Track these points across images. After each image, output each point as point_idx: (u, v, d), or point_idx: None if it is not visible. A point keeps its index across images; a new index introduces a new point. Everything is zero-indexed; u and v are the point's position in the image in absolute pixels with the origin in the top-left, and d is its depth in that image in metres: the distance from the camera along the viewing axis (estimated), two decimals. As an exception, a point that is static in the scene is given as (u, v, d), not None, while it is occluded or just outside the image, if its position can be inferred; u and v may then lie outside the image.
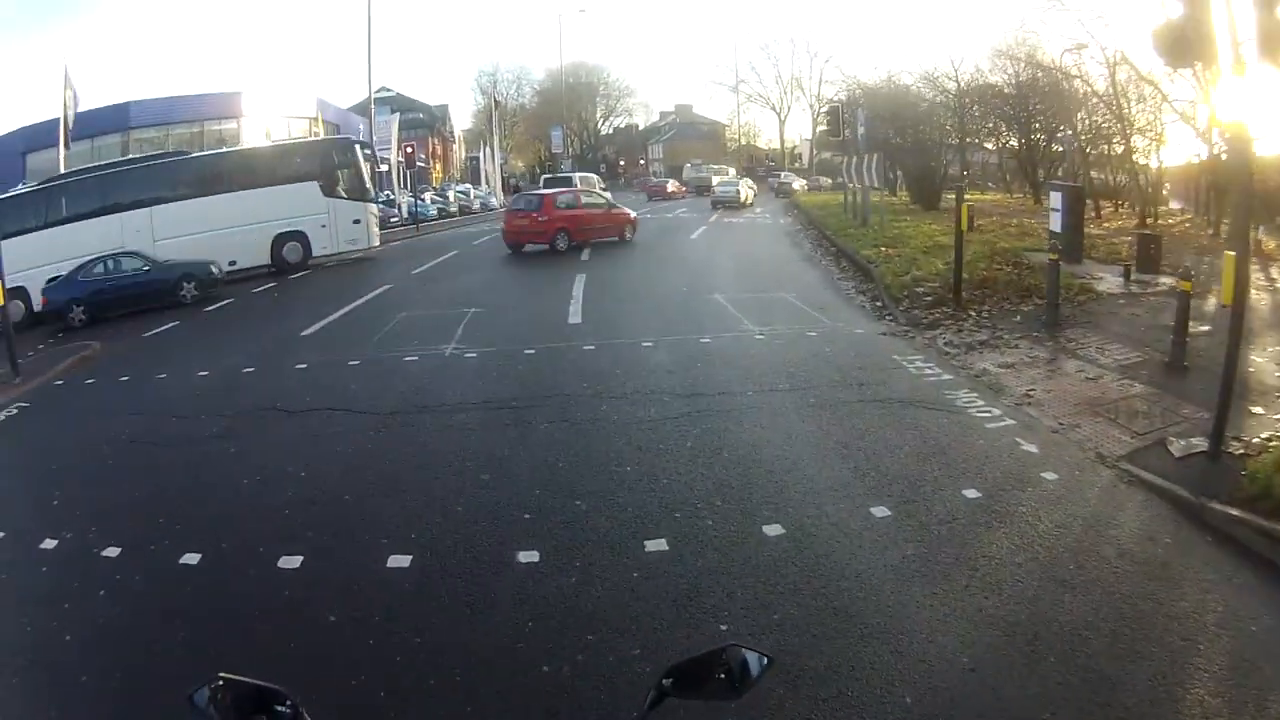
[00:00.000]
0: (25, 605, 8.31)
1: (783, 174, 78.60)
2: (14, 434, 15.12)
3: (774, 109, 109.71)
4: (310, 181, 34.76)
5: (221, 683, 2.56)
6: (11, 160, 52.70)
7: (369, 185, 38.31)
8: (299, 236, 34.03)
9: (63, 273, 28.39)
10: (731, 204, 54.12)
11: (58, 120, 39.46)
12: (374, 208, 38.12)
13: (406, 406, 13.44)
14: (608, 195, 41.17)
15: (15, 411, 16.14)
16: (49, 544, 9.55)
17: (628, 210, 37.36)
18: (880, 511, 8.45)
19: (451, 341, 17.51)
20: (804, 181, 74.33)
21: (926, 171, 46.23)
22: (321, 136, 52.89)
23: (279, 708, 2.56)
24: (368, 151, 41.48)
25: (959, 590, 6.94)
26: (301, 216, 33.96)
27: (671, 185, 73.77)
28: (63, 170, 36.60)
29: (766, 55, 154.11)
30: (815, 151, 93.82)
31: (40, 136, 51.52)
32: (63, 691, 6.70)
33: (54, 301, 27.56)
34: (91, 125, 52.88)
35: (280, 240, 33.66)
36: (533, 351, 16.16)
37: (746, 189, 59.31)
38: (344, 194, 35.18)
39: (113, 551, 9.11)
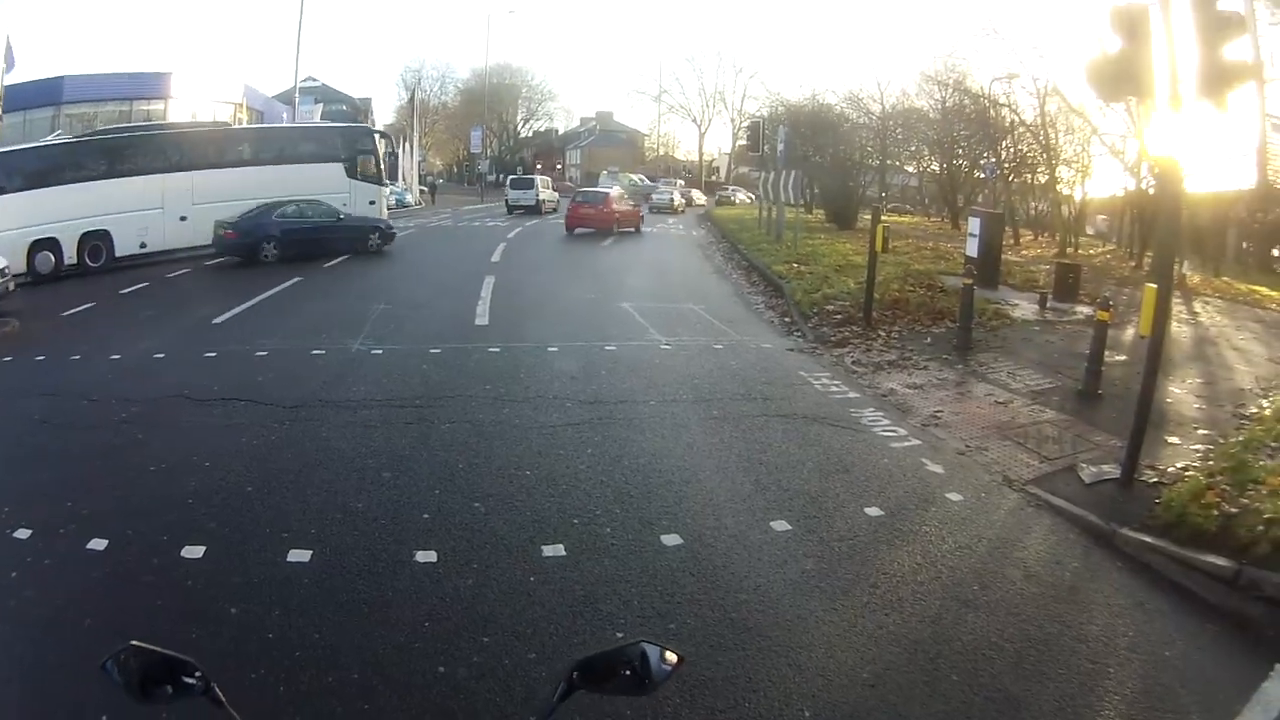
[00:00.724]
0: None
1: (730, 188, 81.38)
2: None
3: (695, 121, 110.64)
4: (336, 163, 37.71)
5: (132, 651, 2.57)
6: None
7: (383, 171, 40.77)
8: None
9: (100, 226, 30.30)
10: (666, 209, 62.87)
11: None
12: (386, 191, 41.19)
13: (311, 400, 13.36)
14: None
15: None
16: None
17: (641, 209, 47.94)
18: (780, 526, 8.44)
19: (358, 337, 17.43)
20: (750, 195, 75.72)
21: (844, 190, 46.55)
22: (351, 124, 55.24)
23: (187, 679, 2.57)
24: (386, 141, 44.91)
25: (859, 607, 6.93)
26: (326, 194, 35.34)
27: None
28: None
29: (691, 67, 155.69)
30: (733, 165, 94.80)
31: None
32: None
33: (247, 236, 30.31)
34: (25, 98, 52.32)
35: None
36: (438, 351, 16.12)
37: (680, 197, 67.75)
38: (363, 177, 38.21)
39: (23, 534, 8.99)
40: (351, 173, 38.06)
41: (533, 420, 12.00)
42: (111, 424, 12.65)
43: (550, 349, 16.10)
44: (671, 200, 65.82)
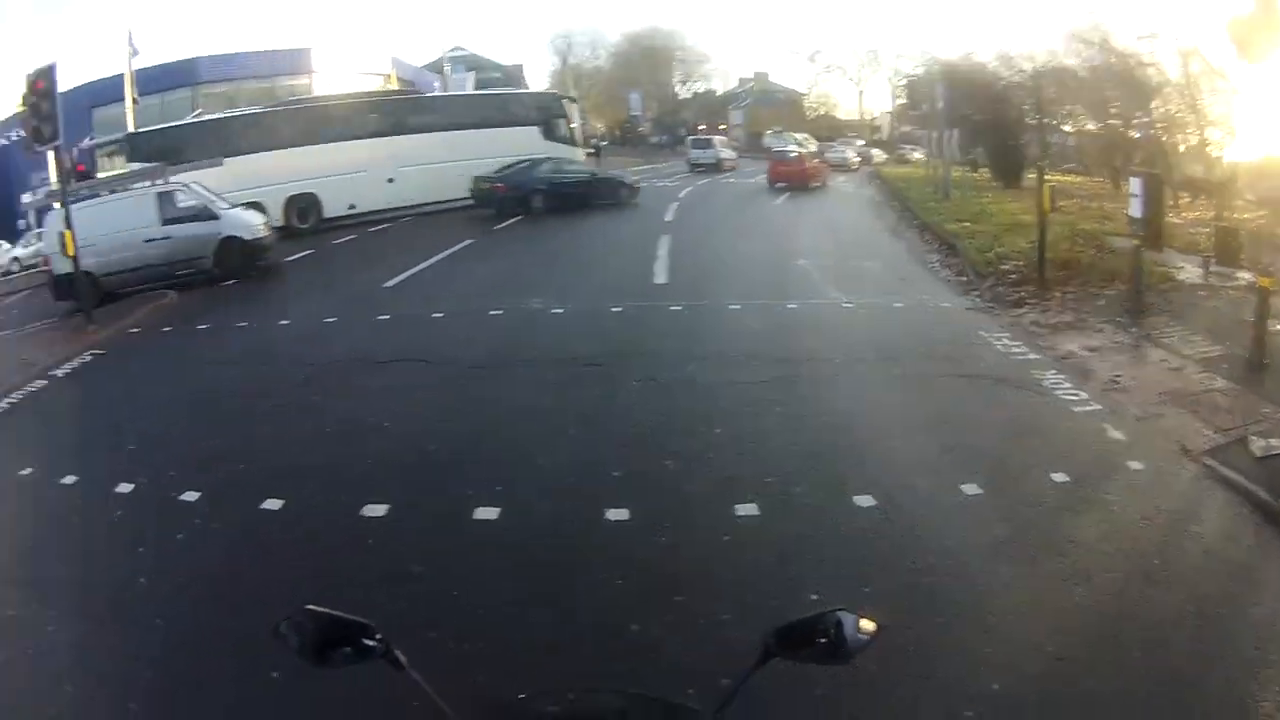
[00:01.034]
0: (98, 549, 8.30)
1: (907, 146, 78.21)
2: (86, 381, 15.03)
3: (852, 80, 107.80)
4: (533, 126, 38.60)
5: (308, 614, 2.52)
6: (79, 114, 53.07)
7: (574, 133, 42.09)
8: None
9: (308, 189, 32.00)
10: (843, 166, 59.25)
11: (122, 76, 42.67)
12: (579, 153, 41.97)
13: (492, 360, 13.32)
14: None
15: (89, 359, 16.13)
16: (124, 488, 9.44)
17: (827, 165, 48.72)
18: (970, 489, 8.13)
19: (537, 296, 17.24)
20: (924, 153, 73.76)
21: (1007, 149, 44.95)
22: (543, 91, 56.73)
23: (366, 641, 2.48)
24: (576, 106, 47.31)
25: (1047, 575, 6.70)
26: (525, 156, 35.73)
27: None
28: (130, 125, 39.42)
29: (844, 25, 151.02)
30: (895, 124, 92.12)
31: (106, 92, 52.75)
32: (136, 634, 6.66)
33: (516, 189, 32.35)
34: (161, 80, 53.91)
35: None
36: (619, 309, 15.93)
37: (855, 155, 66.22)
38: (558, 139, 39.09)
39: (191, 496, 9.01)
40: (548, 135, 38.57)
41: (720, 378, 11.78)
42: (285, 388, 12.85)
43: (731, 307, 15.82)
44: (846, 158, 63.28)
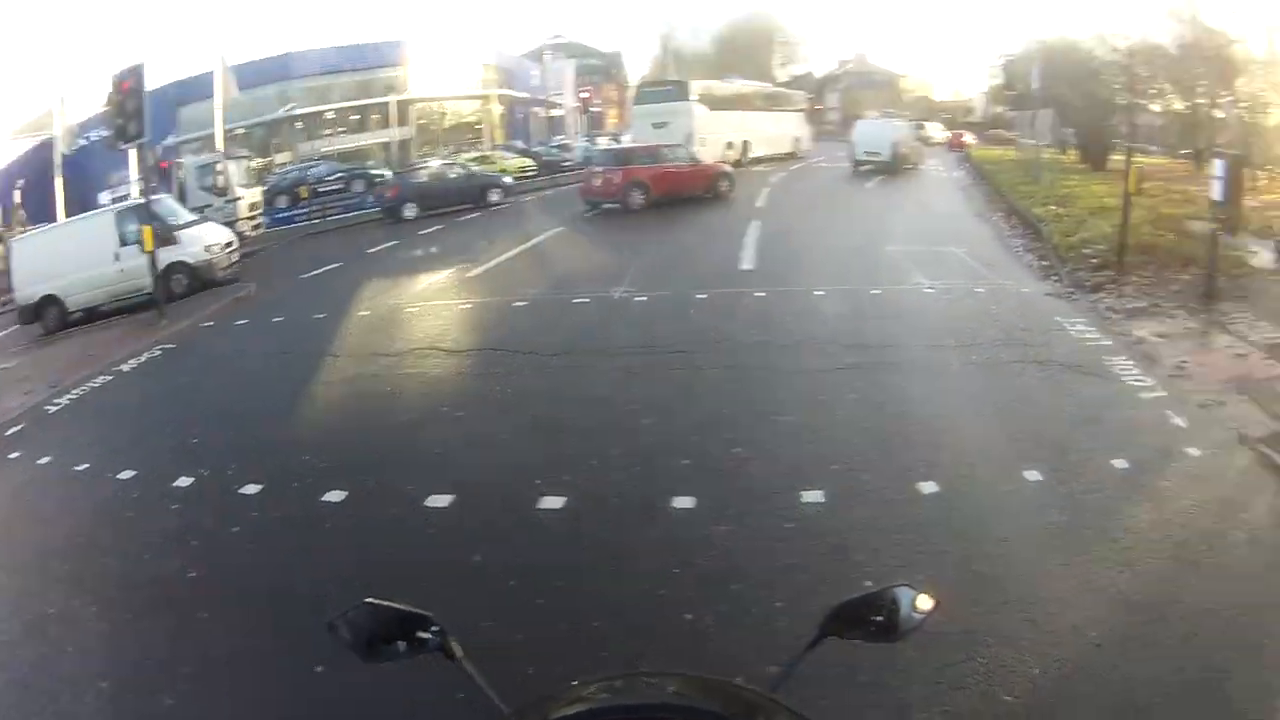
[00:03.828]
0: (153, 544, 8.35)
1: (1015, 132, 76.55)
2: (152, 376, 15.23)
3: (947, 59, 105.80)
4: (800, 112, 55.20)
5: (366, 608, 2.43)
6: (167, 111, 53.86)
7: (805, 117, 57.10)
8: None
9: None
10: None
11: (208, 75, 44.17)
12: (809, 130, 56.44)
13: (573, 348, 13.23)
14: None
15: (158, 353, 16.45)
16: (183, 482, 9.48)
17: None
18: (1031, 475, 7.97)
19: (622, 284, 17.04)
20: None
21: (1097, 131, 43.60)
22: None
23: (421, 634, 2.39)
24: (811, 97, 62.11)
25: (1095, 563, 6.50)
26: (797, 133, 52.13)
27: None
28: (219, 123, 44.63)
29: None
30: (990, 105, 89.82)
31: (193, 89, 53.65)
32: (186, 628, 6.68)
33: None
34: (252, 76, 54.64)
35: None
36: (704, 296, 15.68)
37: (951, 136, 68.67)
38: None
39: (251, 489, 9.02)
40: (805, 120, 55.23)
41: (798, 365, 11.62)
42: (356, 379, 12.81)
43: (817, 292, 15.50)
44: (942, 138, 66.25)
